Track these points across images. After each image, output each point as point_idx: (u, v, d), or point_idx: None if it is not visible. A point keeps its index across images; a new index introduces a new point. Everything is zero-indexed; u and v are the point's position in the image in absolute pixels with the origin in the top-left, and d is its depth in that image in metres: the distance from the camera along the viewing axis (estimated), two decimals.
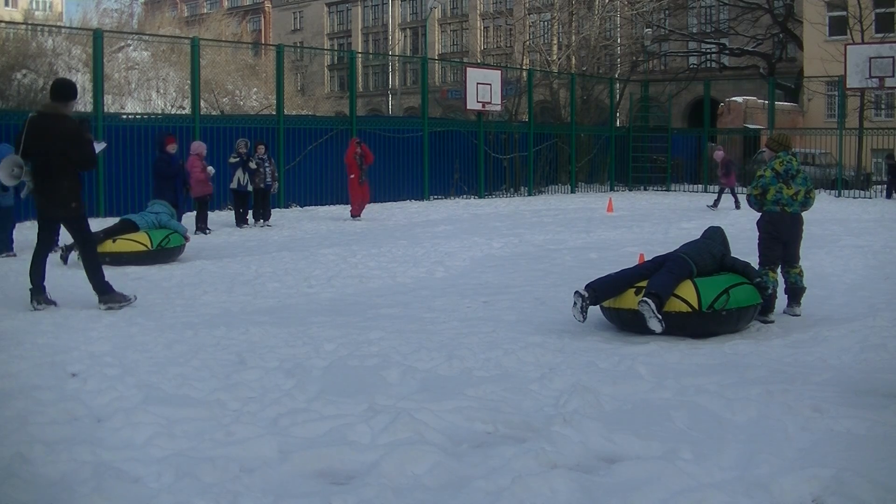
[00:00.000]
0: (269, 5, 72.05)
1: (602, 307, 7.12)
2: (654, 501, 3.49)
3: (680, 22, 45.11)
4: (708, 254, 7.18)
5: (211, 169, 15.14)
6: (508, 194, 26.05)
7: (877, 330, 6.94)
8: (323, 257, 11.84)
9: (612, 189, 29.02)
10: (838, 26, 34.74)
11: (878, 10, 34.27)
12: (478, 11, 60.05)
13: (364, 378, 5.43)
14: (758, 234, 7.93)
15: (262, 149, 16.60)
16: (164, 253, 11.40)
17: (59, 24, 45.22)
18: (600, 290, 6.95)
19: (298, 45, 56.69)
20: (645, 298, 6.57)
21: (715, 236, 7.49)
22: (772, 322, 7.39)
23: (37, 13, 61.66)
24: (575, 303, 6.89)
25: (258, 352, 6.16)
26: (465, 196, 24.59)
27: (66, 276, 10.11)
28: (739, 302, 6.84)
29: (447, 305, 8.26)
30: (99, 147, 8.77)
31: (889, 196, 25.46)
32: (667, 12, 43.60)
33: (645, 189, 29.73)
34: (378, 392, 5.10)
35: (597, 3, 35.21)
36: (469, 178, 24.97)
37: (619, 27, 40.11)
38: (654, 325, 6.53)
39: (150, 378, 5.43)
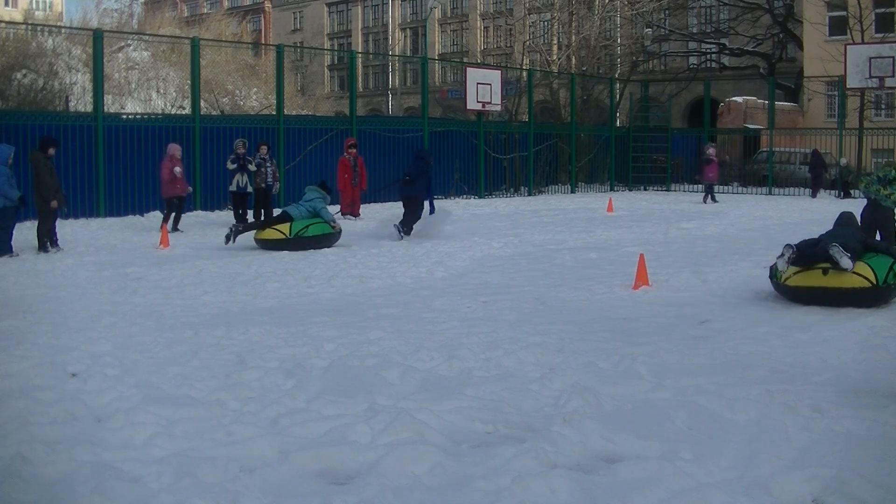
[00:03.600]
0: (269, 5, 72.05)
1: (787, 285, 8.13)
2: (654, 501, 3.49)
3: (680, 22, 45.11)
4: (855, 240, 8.14)
5: (178, 170, 14.87)
6: (508, 194, 26.04)
7: (877, 330, 6.94)
8: (323, 257, 11.84)
9: (612, 189, 29.02)
10: (838, 26, 34.74)
11: (878, 10, 34.25)
12: (478, 11, 60.04)
13: (364, 378, 5.43)
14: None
15: (264, 149, 16.57)
16: (304, 241, 12.44)
17: (59, 24, 45.22)
18: (800, 255, 8.02)
19: (298, 45, 56.69)
20: (833, 243, 7.78)
21: (851, 221, 8.77)
22: None
23: (37, 13, 61.69)
24: (783, 254, 8.04)
25: (258, 352, 6.16)
26: (465, 196, 24.59)
27: (65, 276, 10.12)
28: None
29: (447, 305, 8.26)
30: None
31: (814, 195, 25.64)
32: (667, 12, 43.59)
33: (645, 189, 29.74)
34: (378, 392, 5.10)
35: (597, 3, 35.20)
36: (469, 178, 24.97)
37: (619, 27, 40.10)
38: (846, 262, 7.67)
39: (150, 378, 5.43)
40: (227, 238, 12.63)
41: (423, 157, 15.25)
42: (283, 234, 12.51)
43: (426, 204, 14.60)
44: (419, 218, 14.49)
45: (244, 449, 4.12)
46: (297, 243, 12.41)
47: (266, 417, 4.65)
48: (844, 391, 5.05)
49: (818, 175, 25.57)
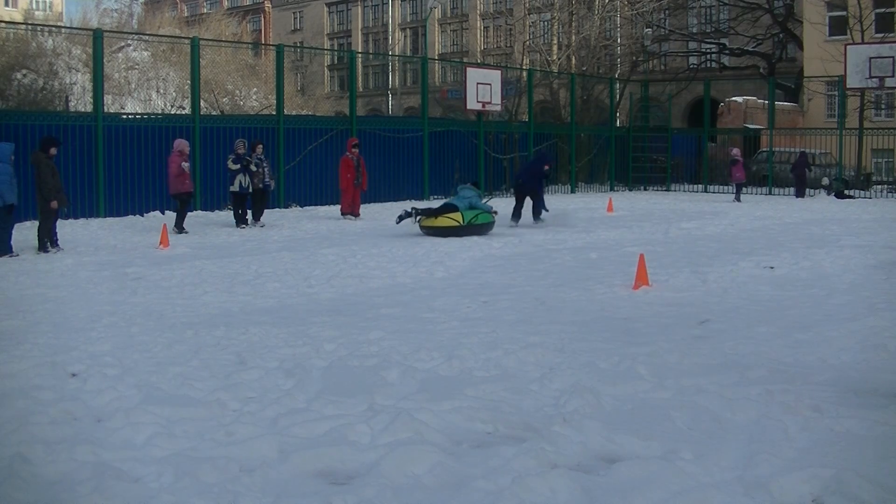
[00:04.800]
0: (269, 5, 72.02)
1: None
2: (654, 501, 3.49)
3: (680, 22, 45.09)
4: None
5: (185, 165, 14.94)
6: (508, 194, 26.01)
7: (877, 330, 6.94)
8: (323, 257, 11.84)
9: (612, 189, 29.02)
10: (838, 26, 34.73)
11: (878, 10, 34.25)
12: (478, 11, 60.03)
13: (364, 378, 5.43)
14: None
15: (259, 148, 16.57)
16: (473, 228, 14.35)
17: (59, 24, 45.24)
18: None
19: (298, 45, 56.66)
20: None
21: None
22: None
23: (37, 13, 61.69)
24: None
25: (258, 352, 6.16)
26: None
27: (65, 276, 10.13)
28: None
29: (447, 305, 8.26)
30: None
31: (799, 195, 25.68)
32: (667, 12, 43.58)
33: (645, 189, 29.74)
34: (378, 392, 5.10)
35: (597, 3, 35.18)
36: (469, 178, 24.94)
37: (619, 27, 40.09)
38: None
39: (150, 378, 5.43)
40: (400, 219, 14.77)
41: (543, 160, 16.99)
42: (458, 221, 14.37)
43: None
44: (542, 203, 16.30)
45: (244, 449, 4.12)
46: (468, 230, 14.31)
47: (266, 417, 4.65)
48: (844, 391, 5.05)
49: (800, 175, 25.66)
